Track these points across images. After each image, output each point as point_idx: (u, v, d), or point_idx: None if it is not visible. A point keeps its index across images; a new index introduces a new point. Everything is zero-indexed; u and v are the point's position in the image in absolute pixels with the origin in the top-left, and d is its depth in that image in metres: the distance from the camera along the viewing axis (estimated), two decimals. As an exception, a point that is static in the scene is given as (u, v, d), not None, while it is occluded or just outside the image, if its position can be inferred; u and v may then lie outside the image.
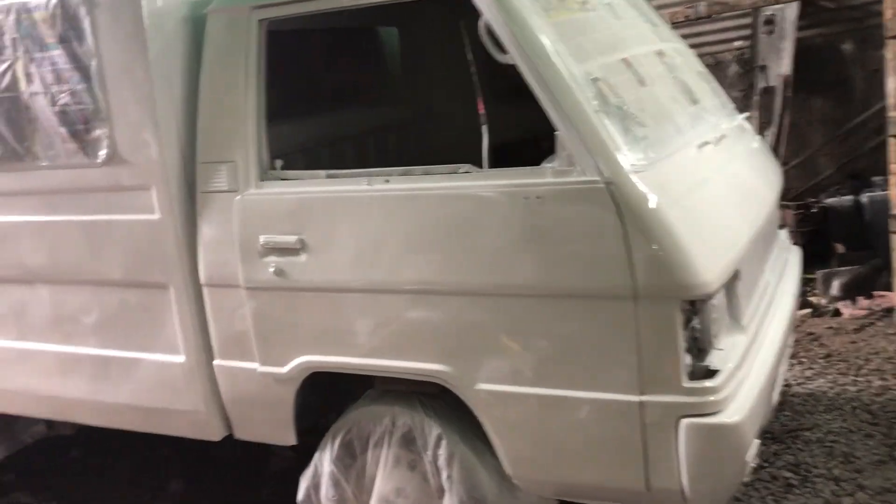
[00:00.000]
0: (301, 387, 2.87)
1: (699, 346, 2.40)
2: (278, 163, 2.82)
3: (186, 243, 2.94)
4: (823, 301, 5.28)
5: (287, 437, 2.99)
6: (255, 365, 2.92)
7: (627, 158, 2.33)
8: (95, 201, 3.08)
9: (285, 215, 2.75)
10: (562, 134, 2.35)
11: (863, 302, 5.13)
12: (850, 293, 5.19)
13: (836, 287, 5.20)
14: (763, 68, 6.25)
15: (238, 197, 2.81)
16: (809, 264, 5.97)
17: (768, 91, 6.23)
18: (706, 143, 2.79)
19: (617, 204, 2.28)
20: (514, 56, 2.41)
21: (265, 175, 2.80)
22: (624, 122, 2.43)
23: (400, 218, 2.58)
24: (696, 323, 2.37)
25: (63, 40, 2.96)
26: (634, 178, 2.30)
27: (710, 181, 2.67)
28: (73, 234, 3.17)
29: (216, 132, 2.86)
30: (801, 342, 4.73)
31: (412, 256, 2.57)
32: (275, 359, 2.88)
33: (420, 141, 4.06)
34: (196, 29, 2.92)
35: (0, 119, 3.18)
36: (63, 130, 3.06)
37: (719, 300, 2.45)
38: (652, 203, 2.27)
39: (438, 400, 2.74)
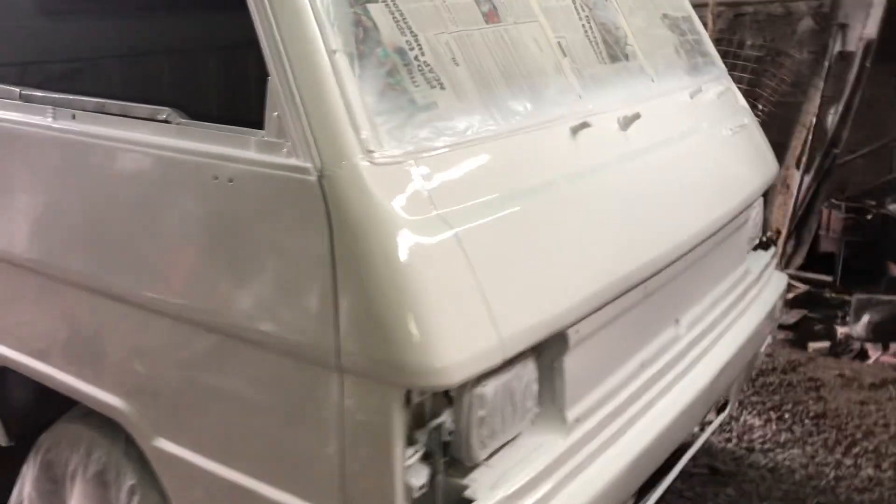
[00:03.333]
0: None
1: (454, 457, 1.50)
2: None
3: None
4: (851, 335, 4.16)
5: (-6, 434, 2.27)
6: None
7: (369, 137, 1.39)
8: None
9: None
10: (275, 83, 1.43)
11: (898, 348, 4.00)
12: (883, 333, 4.04)
13: (864, 322, 4.06)
14: (843, 27, 4.93)
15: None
16: (850, 283, 4.84)
17: (844, 57, 4.94)
18: (584, 126, 1.79)
19: (329, 213, 1.36)
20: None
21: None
22: (394, 77, 1.48)
23: (79, 174, 1.73)
24: (446, 420, 1.47)
25: None
26: (366, 173, 1.36)
27: (559, 190, 1.68)
28: None
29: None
30: (797, 388, 3.68)
31: (86, 236, 1.73)
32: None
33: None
34: None
35: None
36: None
37: (510, 385, 1.52)
38: (381, 217, 1.35)
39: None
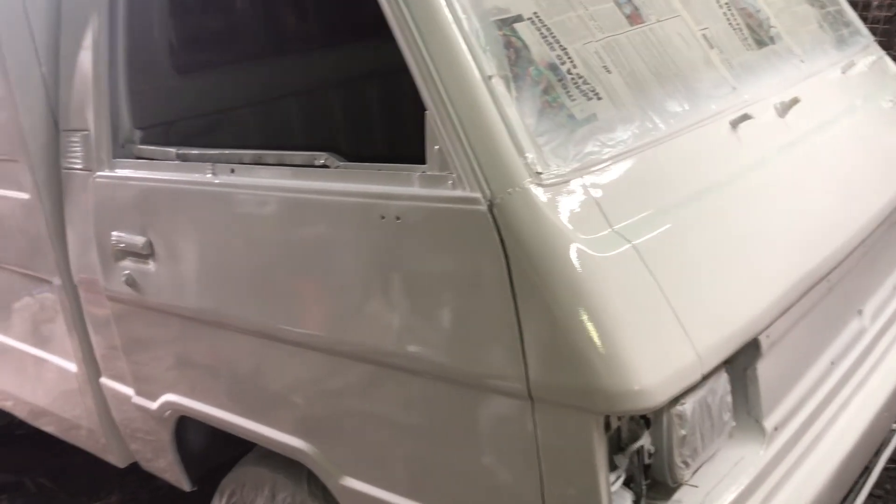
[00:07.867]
0: (179, 427, 2.20)
1: (655, 478, 1.44)
2: (136, 134, 2.09)
3: (57, 233, 2.32)
4: None
5: (180, 480, 2.35)
6: (130, 392, 2.29)
7: (535, 159, 1.35)
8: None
9: (134, 207, 2.03)
10: (432, 116, 1.42)
11: None
12: None
13: None
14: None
15: (91, 178, 2.13)
16: None
17: None
18: (745, 118, 1.70)
19: (503, 241, 1.33)
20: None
21: (120, 150, 2.08)
22: (550, 94, 1.44)
23: (243, 226, 1.77)
24: (646, 442, 1.40)
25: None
26: (537, 196, 1.33)
27: (729, 189, 1.60)
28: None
29: (74, 88, 2.17)
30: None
31: (254, 285, 1.76)
32: (145, 390, 2.23)
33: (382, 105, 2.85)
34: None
35: None
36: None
37: (707, 400, 1.45)
38: (558, 239, 1.30)
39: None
